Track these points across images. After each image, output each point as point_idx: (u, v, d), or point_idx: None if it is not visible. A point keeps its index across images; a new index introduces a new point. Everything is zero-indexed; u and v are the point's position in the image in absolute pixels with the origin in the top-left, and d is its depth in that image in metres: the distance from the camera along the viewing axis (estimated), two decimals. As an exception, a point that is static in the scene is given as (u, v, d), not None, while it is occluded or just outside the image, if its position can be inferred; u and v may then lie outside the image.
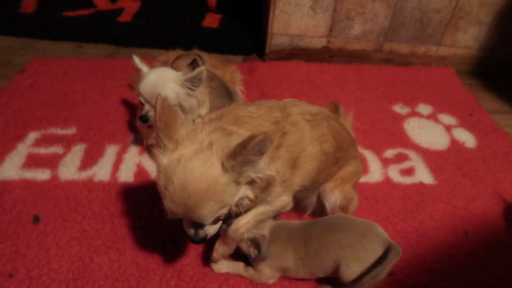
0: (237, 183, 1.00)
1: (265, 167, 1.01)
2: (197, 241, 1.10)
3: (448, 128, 2.12)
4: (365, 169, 1.79)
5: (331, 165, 1.33)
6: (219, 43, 2.63)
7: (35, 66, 2.28)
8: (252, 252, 1.21)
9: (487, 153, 1.97)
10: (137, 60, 1.56)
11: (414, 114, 2.20)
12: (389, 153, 1.92)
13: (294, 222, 1.33)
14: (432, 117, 2.19)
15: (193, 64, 1.66)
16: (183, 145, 1.01)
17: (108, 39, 2.63)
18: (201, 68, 1.50)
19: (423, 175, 1.81)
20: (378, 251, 1.16)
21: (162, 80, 1.50)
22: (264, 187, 1.07)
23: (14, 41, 2.54)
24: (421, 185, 1.76)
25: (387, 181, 1.76)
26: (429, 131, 2.08)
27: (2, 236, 1.36)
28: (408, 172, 1.82)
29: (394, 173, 1.80)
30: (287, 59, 2.59)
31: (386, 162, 1.86)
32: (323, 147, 1.26)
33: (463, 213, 1.64)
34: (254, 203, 1.11)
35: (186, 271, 1.31)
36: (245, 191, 1.05)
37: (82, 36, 2.63)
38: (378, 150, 1.92)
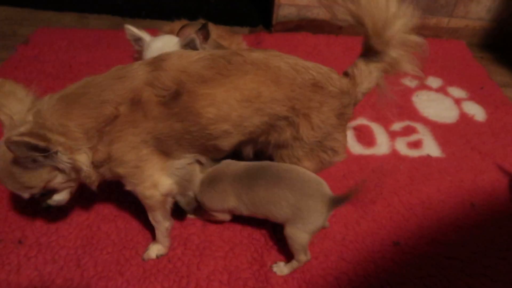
0: (32, 169, 1.02)
1: (66, 159, 1.01)
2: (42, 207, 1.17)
3: (457, 101, 2.08)
4: (372, 142, 1.79)
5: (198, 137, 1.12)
6: (225, 14, 2.58)
7: (39, 37, 2.25)
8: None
9: (496, 127, 1.93)
10: (134, 30, 1.51)
11: (423, 87, 2.16)
12: (397, 126, 1.90)
13: (239, 165, 1.25)
14: (441, 90, 2.15)
15: (202, 30, 1.61)
16: (18, 125, 1.01)
17: (112, 10, 2.59)
18: (192, 36, 1.45)
19: (431, 148, 1.79)
20: (321, 212, 1.14)
21: (168, 47, 1.47)
22: (76, 172, 1.07)
23: (18, 11, 2.51)
24: (428, 158, 1.74)
25: (394, 153, 1.74)
26: (438, 104, 2.05)
27: (11, 204, 1.38)
28: (416, 145, 1.80)
29: (401, 145, 1.79)
30: (294, 31, 2.54)
31: (393, 135, 1.84)
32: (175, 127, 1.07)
33: (470, 186, 1.62)
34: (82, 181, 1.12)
35: (192, 239, 1.33)
36: (57, 175, 1.06)
37: (86, 7, 2.59)
38: (385, 123, 1.90)
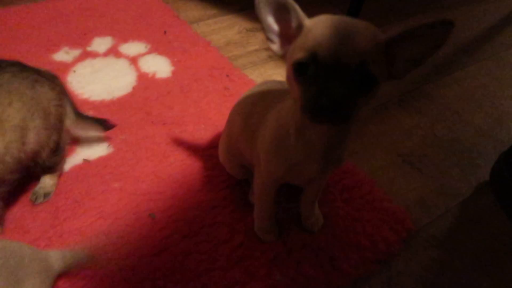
0: None
1: None
2: None
3: (134, 61, 1.49)
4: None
5: None
6: None
7: None
8: None
9: (186, 77, 1.42)
10: None
11: (85, 56, 1.49)
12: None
13: None
14: (111, 52, 1.52)
15: None
16: None
17: None
18: None
19: (93, 148, 1.14)
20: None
21: None
22: None
23: None
24: (85, 165, 1.09)
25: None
26: (105, 74, 1.42)
27: None
28: (68, 152, 1.12)
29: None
30: None
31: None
32: None
33: (147, 186, 1.05)
34: None
35: None
36: None
37: None
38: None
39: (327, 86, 0.54)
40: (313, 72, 0.55)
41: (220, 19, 1.81)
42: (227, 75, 1.43)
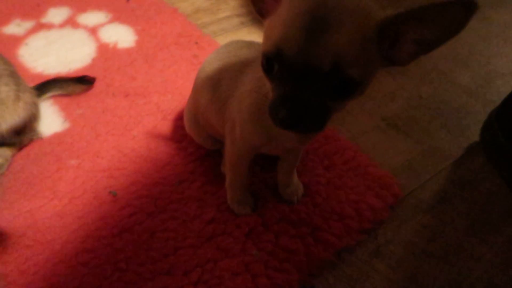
0: None
1: None
2: None
3: (93, 31, 1.36)
4: None
5: None
6: None
7: None
8: None
9: (151, 46, 1.30)
10: None
11: (39, 27, 1.36)
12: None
13: None
14: (68, 23, 1.39)
15: None
16: None
17: None
18: None
19: (47, 124, 1.03)
20: None
21: None
22: None
23: None
24: (38, 142, 0.98)
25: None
26: (61, 45, 1.29)
27: None
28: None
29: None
30: None
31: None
32: None
33: (107, 162, 0.94)
34: None
35: None
36: None
37: None
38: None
39: (292, 92, 0.44)
40: (278, 72, 0.45)
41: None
42: (196, 42, 1.32)
